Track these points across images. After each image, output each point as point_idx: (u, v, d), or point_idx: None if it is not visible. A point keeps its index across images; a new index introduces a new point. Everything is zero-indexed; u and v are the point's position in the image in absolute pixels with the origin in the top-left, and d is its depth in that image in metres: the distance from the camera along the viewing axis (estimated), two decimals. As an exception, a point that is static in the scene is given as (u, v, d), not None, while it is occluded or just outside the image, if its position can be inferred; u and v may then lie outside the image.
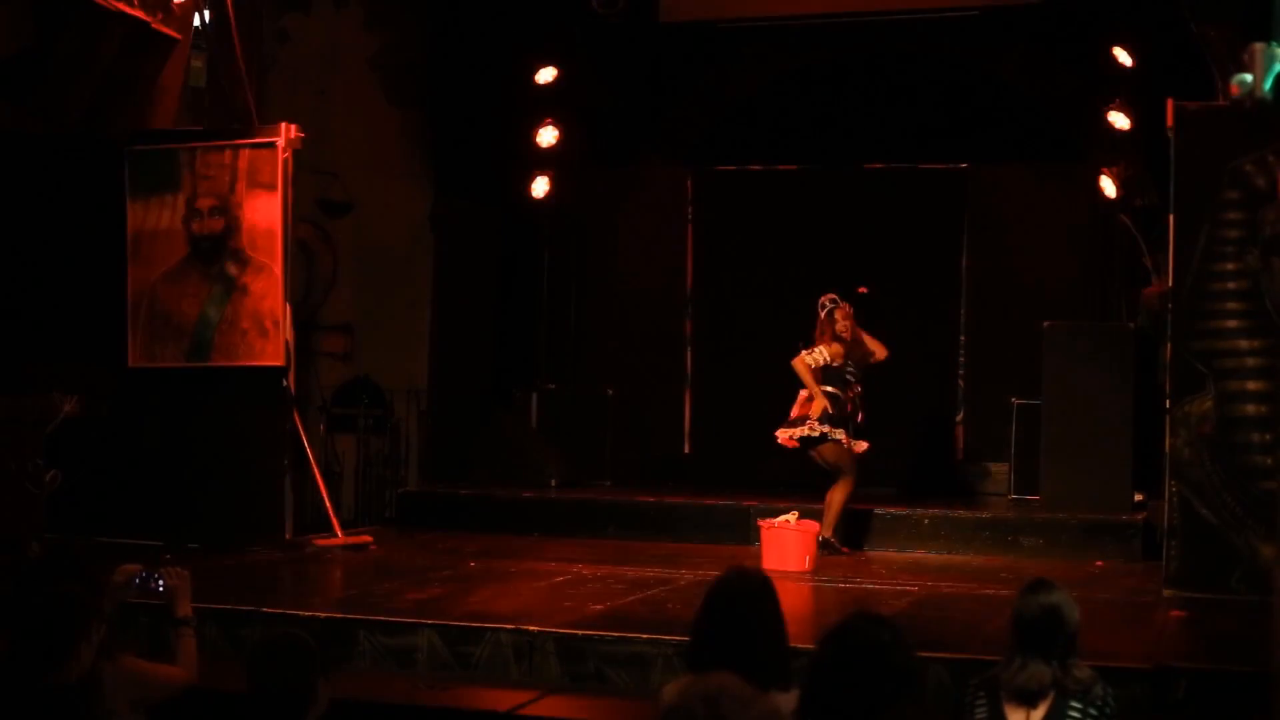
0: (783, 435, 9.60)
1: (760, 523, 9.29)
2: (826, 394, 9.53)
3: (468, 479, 11.90)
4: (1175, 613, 7.64)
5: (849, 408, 9.68)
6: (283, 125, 9.84)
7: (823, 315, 9.73)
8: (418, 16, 12.43)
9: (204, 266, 9.96)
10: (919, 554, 9.97)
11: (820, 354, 9.60)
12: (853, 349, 9.73)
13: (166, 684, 4.62)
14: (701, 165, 13.29)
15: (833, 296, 9.79)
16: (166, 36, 9.41)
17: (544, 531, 10.73)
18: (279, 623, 6.75)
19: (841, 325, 9.69)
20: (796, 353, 9.65)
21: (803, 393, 9.65)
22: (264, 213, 9.81)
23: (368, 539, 10.02)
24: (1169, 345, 8.30)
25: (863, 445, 9.74)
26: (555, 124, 12.53)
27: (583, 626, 6.88)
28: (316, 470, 10.03)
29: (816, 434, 9.53)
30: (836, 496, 9.68)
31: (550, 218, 13.24)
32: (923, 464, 12.21)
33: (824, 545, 9.44)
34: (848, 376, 9.69)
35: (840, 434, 9.60)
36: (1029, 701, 4.22)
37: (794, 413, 9.63)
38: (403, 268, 12.44)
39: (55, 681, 4.08)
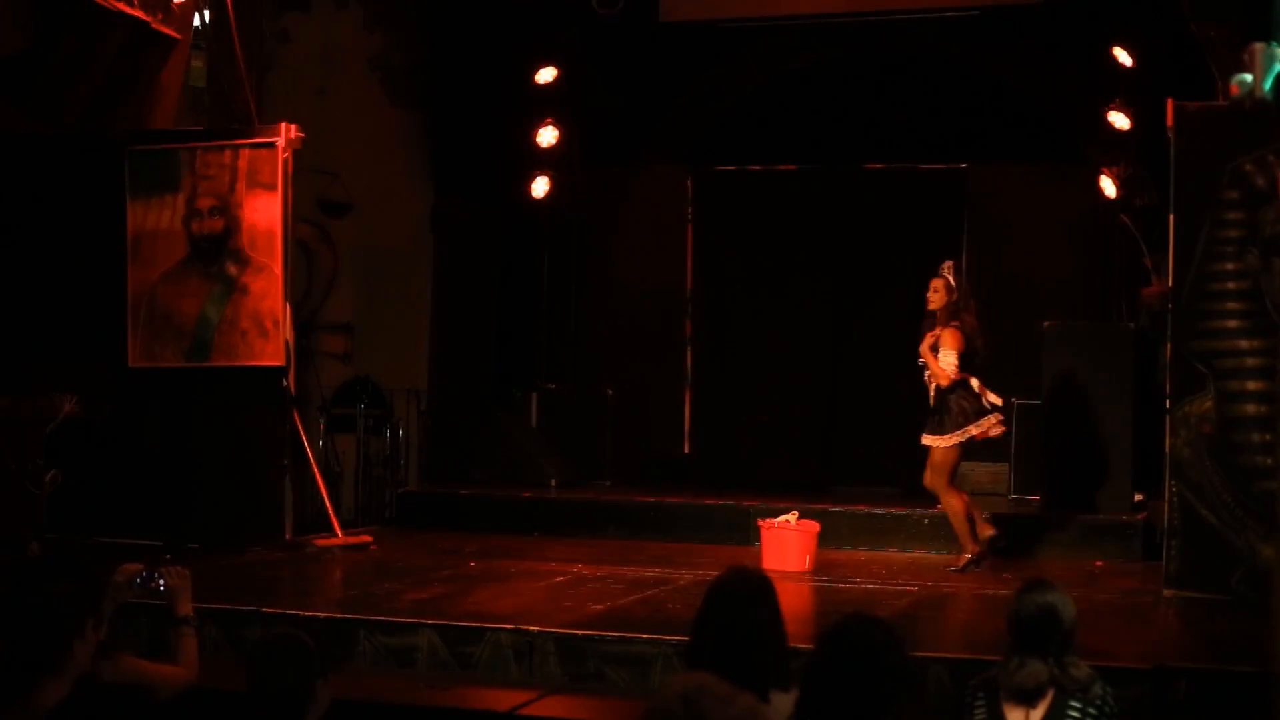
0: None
1: (760, 523, 9.28)
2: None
3: (468, 479, 11.90)
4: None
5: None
6: (283, 125, 9.83)
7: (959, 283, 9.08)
8: (418, 16, 12.44)
9: (204, 266, 9.96)
10: (919, 554, 9.96)
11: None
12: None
13: (166, 684, 4.61)
14: (701, 165, 13.29)
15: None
16: (166, 36, 9.40)
17: (544, 531, 10.72)
18: (279, 623, 6.74)
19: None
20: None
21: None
22: (264, 213, 9.81)
23: (368, 539, 10.02)
24: (1169, 345, 8.29)
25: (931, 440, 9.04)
26: (555, 124, 12.54)
27: (583, 626, 6.88)
28: (316, 470, 10.03)
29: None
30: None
31: (550, 218, 13.23)
32: (923, 464, 12.18)
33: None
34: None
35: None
36: (1028, 701, 4.22)
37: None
38: (403, 268, 12.44)
39: (50, 682, 4.08)
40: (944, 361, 8.94)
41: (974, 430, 8.94)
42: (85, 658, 4.19)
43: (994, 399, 8.99)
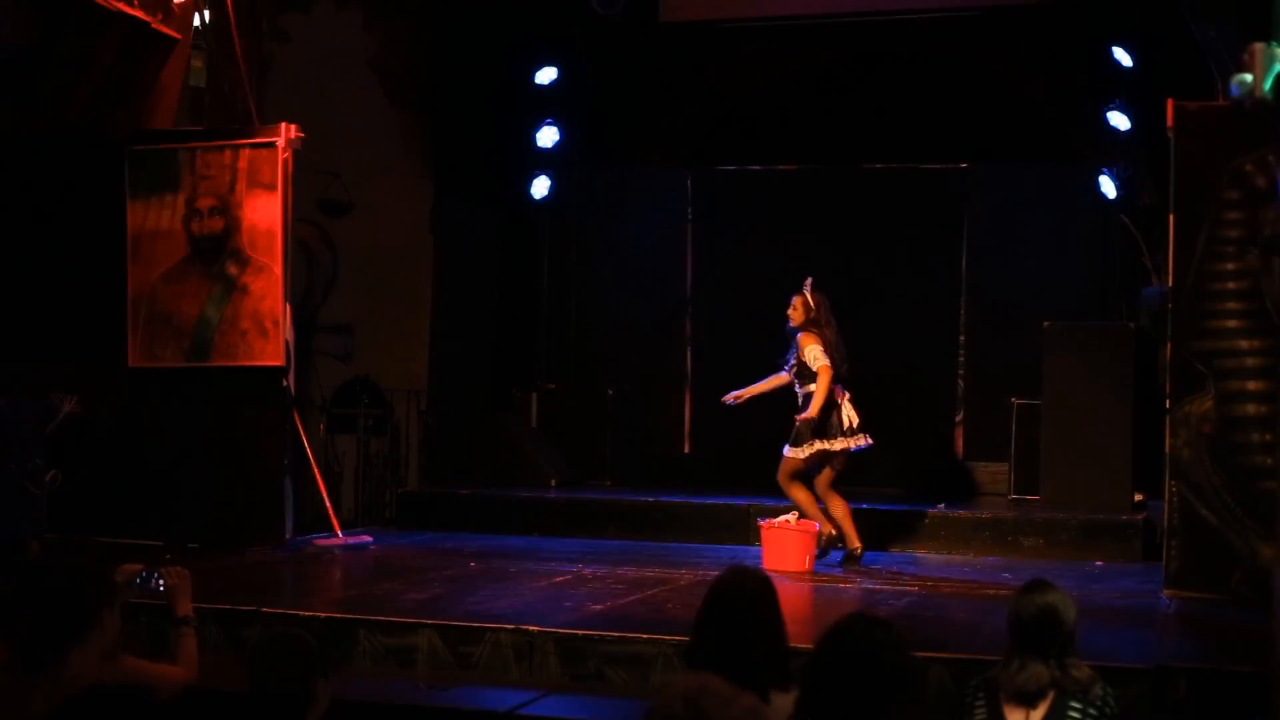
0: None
1: (760, 523, 9.28)
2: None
3: (468, 479, 11.90)
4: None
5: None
6: (283, 125, 9.83)
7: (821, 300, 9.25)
8: (418, 17, 12.43)
9: (204, 266, 9.96)
10: (919, 554, 9.97)
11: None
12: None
13: (166, 684, 4.61)
14: (701, 165, 13.29)
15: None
16: (166, 36, 9.41)
17: (544, 531, 10.73)
18: (279, 623, 6.74)
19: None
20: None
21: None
22: (264, 213, 9.81)
23: (368, 539, 10.02)
24: (1169, 345, 8.30)
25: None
26: (555, 124, 12.54)
27: (583, 626, 6.88)
28: (316, 470, 10.03)
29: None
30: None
31: (550, 218, 13.24)
32: (923, 464, 12.20)
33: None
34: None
35: None
36: (1028, 702, 4.22)
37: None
38: (403, 268, 12.43)
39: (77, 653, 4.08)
40: (811, 357, 9.05)
41: (822, 445, 9.08)
42: (113, 630, 4.20)
43: (852, 416, 9.14)
